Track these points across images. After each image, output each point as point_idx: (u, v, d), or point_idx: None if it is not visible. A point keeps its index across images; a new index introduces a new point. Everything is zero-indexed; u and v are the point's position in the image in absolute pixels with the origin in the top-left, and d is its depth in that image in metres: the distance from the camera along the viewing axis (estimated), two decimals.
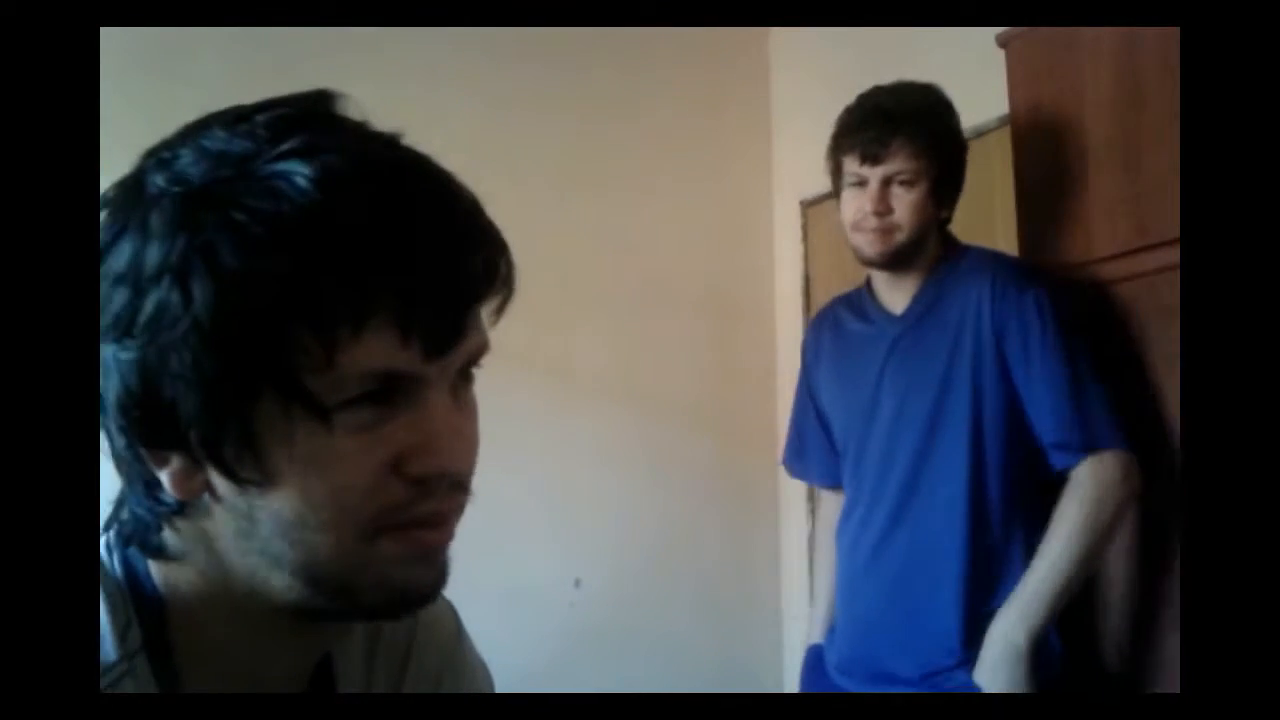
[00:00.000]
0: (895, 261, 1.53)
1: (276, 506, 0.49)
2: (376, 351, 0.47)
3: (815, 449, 1.72)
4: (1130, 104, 1.53)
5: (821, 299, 2.22)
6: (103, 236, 0.49)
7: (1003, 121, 1.98)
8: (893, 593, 1.52)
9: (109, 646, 0.51)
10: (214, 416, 0.47)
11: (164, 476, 0.50)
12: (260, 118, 0.50)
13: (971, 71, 1.89)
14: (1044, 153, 1.69)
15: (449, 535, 0.53)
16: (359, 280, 0.46)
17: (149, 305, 0.46)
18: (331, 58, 2.29)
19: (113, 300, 0.48)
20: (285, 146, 0.48)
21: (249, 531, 0.50)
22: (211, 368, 0.46)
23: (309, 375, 0.47)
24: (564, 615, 2.46)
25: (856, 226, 1.52)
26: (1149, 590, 1.48)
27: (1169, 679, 1.43)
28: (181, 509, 0.52)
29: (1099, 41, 1.58)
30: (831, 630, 1.67)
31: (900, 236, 1.50)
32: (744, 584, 2.74)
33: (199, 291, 0.45)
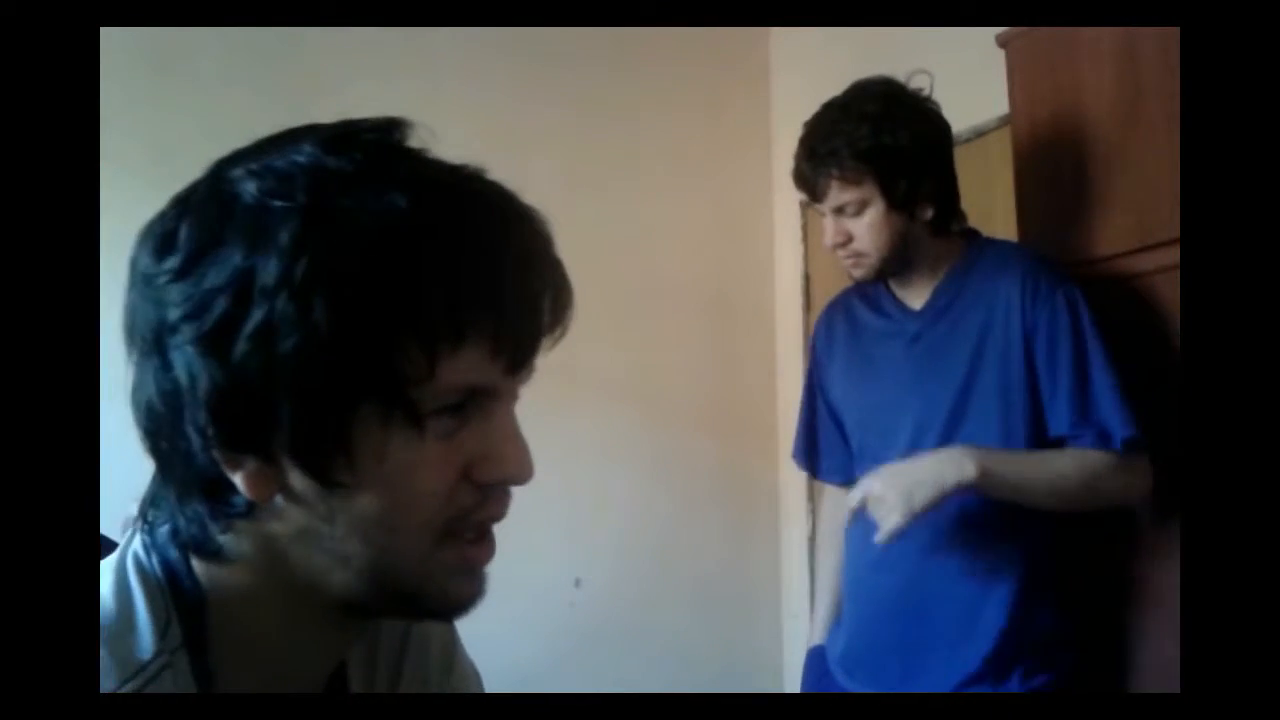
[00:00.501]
0: (884, 276, 1.53)
1: (359, 508, 0.52)
2: (471, 366, 0.52)
3: (828, 444, 1.69)
4: (1130, 104, 1.53)
5: (821, 299, 2.22)
6: (181, 240, 0.50)
7: (1003, 121, 1.98)
8: (913, 594, 1.49)
9: (148, 643, 0.52)
10: (315, 422, 0.49)
11: (238, 479, 0.51)
12: (358, 141, 0.52)
13: (971, 71, 1.89)
14: (1044, 152, 1.69)
15: (493, 551, 0.57)
16: (462, 300, 0.51)
17: (258, 316, 0.48)
18: (332, 57, 2.29)
19: (209, 308, 0.48)
20: (389, 172, 0.51)
21: (319, 531, 0.52)
22: (322, 378, 0.49)
23: (412, 386, 0.50)
24: (564, 615, 2.46)
25: (833, 252, 1.54)
26: (1149, 590, 1.48)
27: (1168, 680, 1.43)
28: (249, 511, 0.53)
29: (1099, 41, 1.58)
30: (836, 626, 1.65)
31: (870, 260, 1.49)
32: (744, 584, 2.74)
33: (320, 307, 0.48)
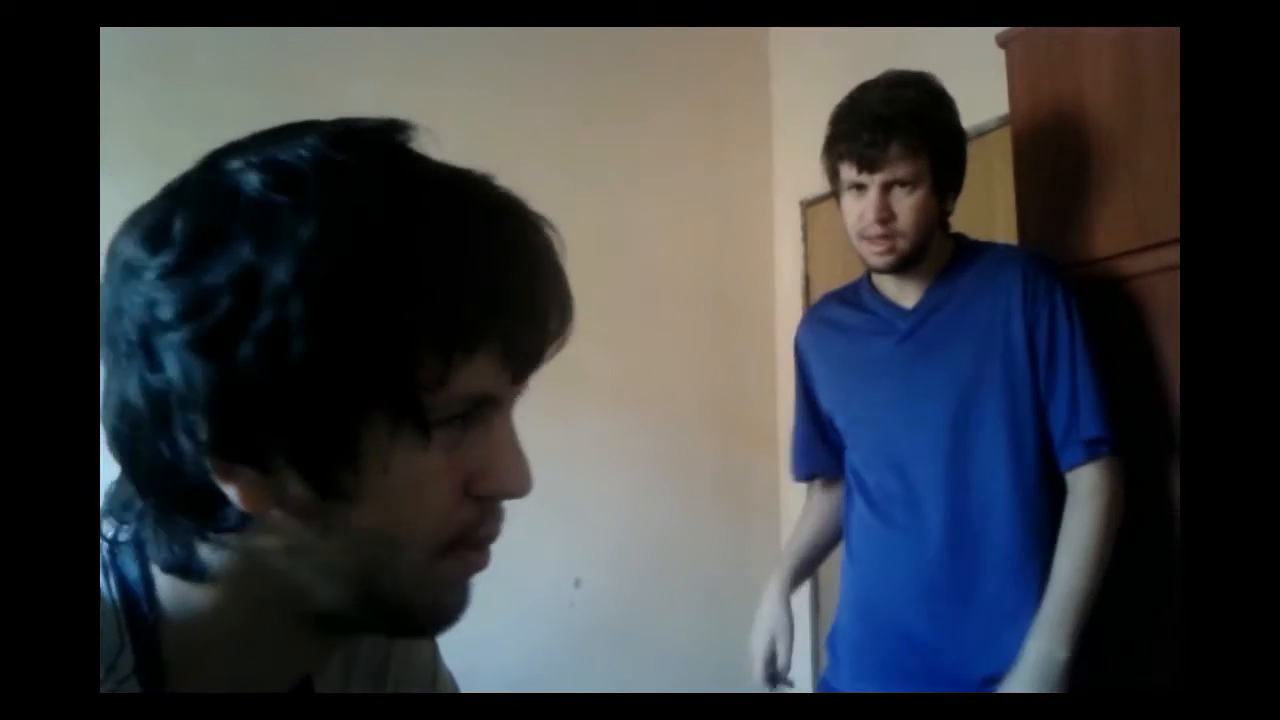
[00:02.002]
0: (903, 267, 1.51)
1: (359, 520, 0.50)
2: (482, 374, 0.50)
3: (821, 448, 1.70)
4: (1130, 104, 1.53)
5: None
6: (176, 232, 0.47)
7: (1003, 121, 1.98)
8: (942, 592, 1.47)
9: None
10: (322, 430, 0.47)
11: (231, 490, 0.48)
12: (362, 140, 0.50)
13: (971, 71, 1.89)
14: (1044, 153, 1.69)
15: (487, 562, 0.55)
16: (478, 306, 0.49)
17: (268, 317, 0.45)
18: (331, 57, 2.29)
19: (210, 307, 0.46)
20: (400, 173, 0.50)
21: (311, 545, 0.50)
22: (334, 383, 0.46)
23: (425, 393, 0.48)
24: (564, 615, 2.46)
25: (861, 235, 1.48)
26: (1149, 591, 1.48)
27: (1169, 677, 1.43)
28: (239, 525, 0.50)
29: (1099, 41, 1.58)
30: (835, 639, 1.64)
31: (904, 244, 1.47)
32: (744, 584, 2.73)
33: (337, 310, 0.46)
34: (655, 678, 2.44)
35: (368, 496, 0.49)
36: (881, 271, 1.53)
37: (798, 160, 2.80)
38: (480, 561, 0.55)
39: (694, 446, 2.70)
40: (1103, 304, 1.56)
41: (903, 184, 1.44)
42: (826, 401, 1.67)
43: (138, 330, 0.47)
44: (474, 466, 0.52)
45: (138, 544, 0.53)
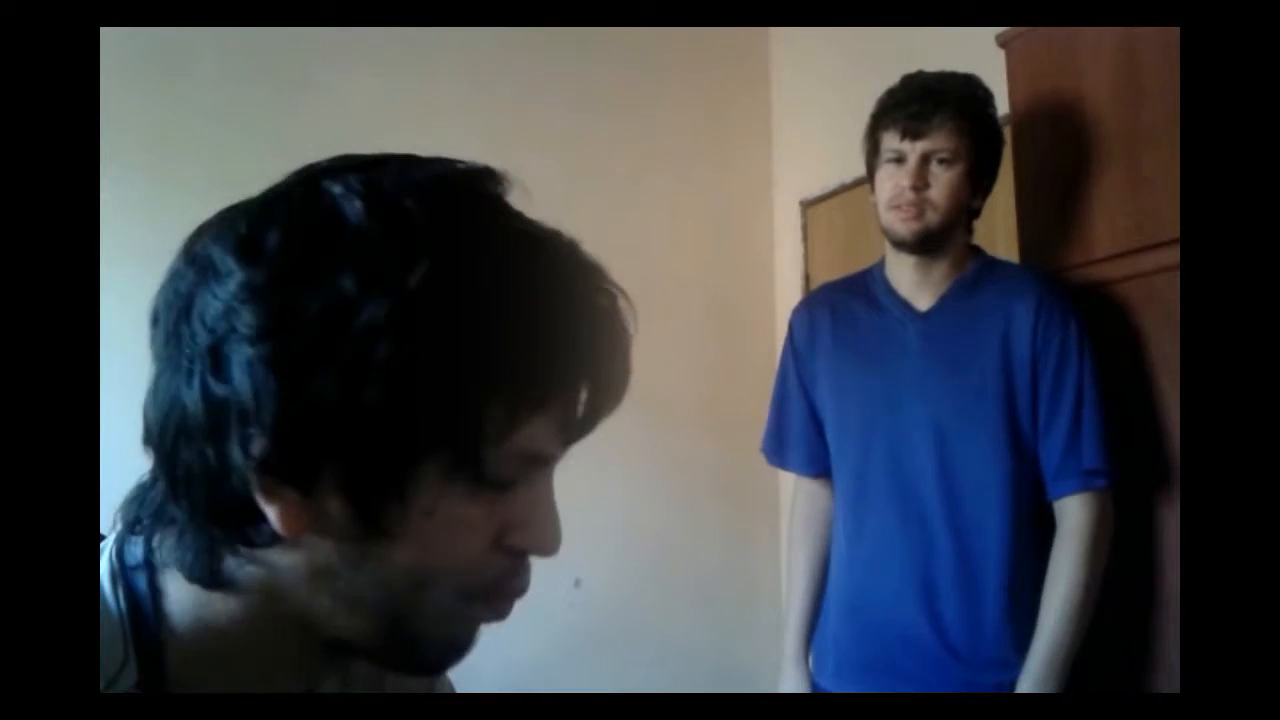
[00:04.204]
0: (926, 243, 1.51)
1: (392, 557, 0.50)
2: (541, 435, 0.51)
3: (801, 435, 1.68)
4: (1130, 104, 1.53)
5: None
6: (271, 247, 0.47)
7: (1003, 121, 1.98)
8: (931, 594, 1.49)
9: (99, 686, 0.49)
10: (380, 466, 0.47)
11: (272, 509, 0.48)
12: (461, 186, 0.51)
13: (971, 71, 1.89)
14: (1044, 153, 1.69)
15: (509, 612, 0.56)
16: (554, 370, 0.50)
17: (352, 352, 0.45)
18: (332, 56, 2.29)
19: (297, 330, 0.46)
20: (502, 227, 0.50)
21: (338, 573, 0.50)
22: (402, 425, 0.46)
23: (485, 447, 0.49)
24: (564, 615, 2.46)
25: (892, 203, 1.51)
26: (1149, 593, 1.48)
27: (1166, 679, 1.43)
28: (271, 543, 0.50)
29: (1099, 41, 1.58)
30: (823, 637, 1.64)
31: (933, 217, 1.49)
32: (744, 584, 2.74)
33: (423, 353, 0.46)
34: (655, 678, 2.44)
35: (407, 536, 0.49)
36: (905, 245, 1.53)
37: (798, 160, 2.80)
38: (503, 611, 0.55)
39: (693, 447, 2.69)
40: (1103, 304, 1.56)
41: (941, 160, 1.48)
42: (816, 389, 1.65)
43: (209, 335, 0.47)
44: (510, 520, 0.52)
45: (148, 554, 0.53)
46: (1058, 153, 1.65)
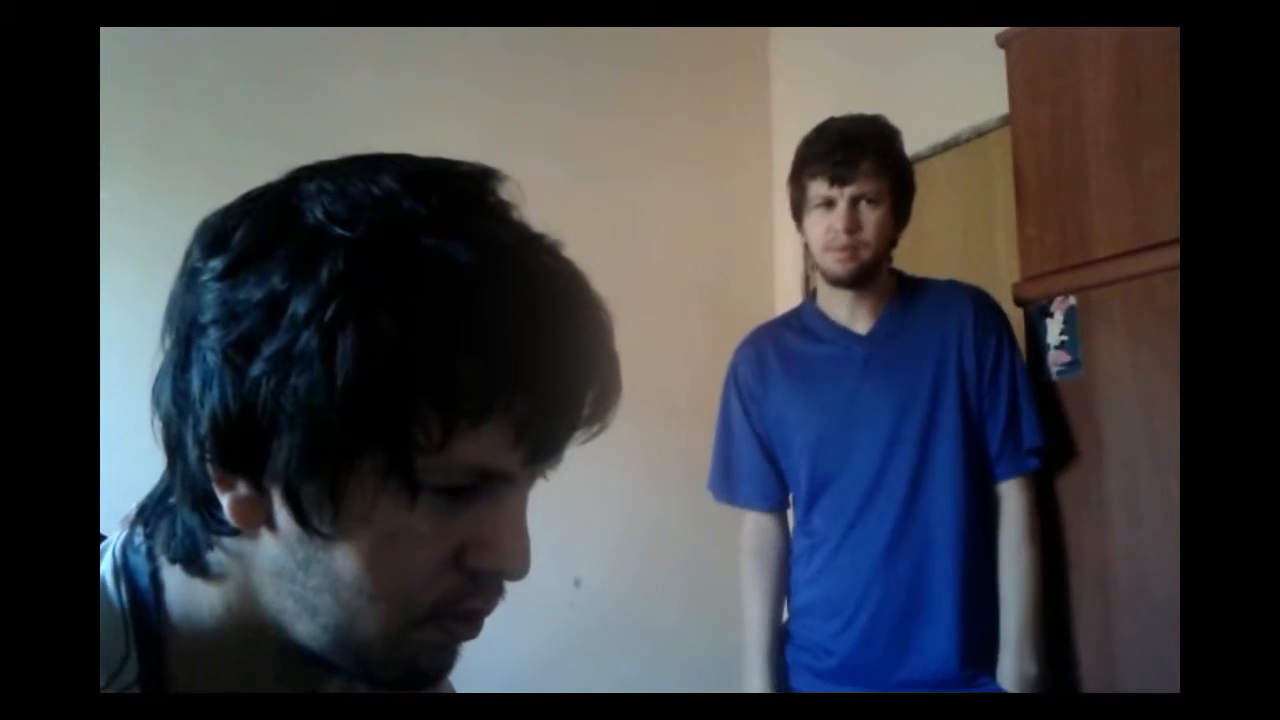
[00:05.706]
0: (861, 279, 1.60)
1: (335, 564, 0.49)
2: (489, 449, 0.48)
3: (749, 470, 1.74)
4: (1130, 104, 1.53)
5: None
6: (234, 241, 0.48)
7: (1003, 121, 1.98)
8: (897, 607, 1.55)
9: (101, 679, 0.50)
10: (312, 463, 0.47)
11: (224, 499, 0.49)
12: (440, 184, 0.49)
13: (971, 71, 1.90)
14: (1044, 153, 1.69)
15: (479, 631, 0.54)
16: (495, 379, 0.47)
17: (283, 340, 0.46)
18: (332, 56, 2.29)
19: (241, 318, 0.47)
20: (460, 225, 0.48)
21: (293, 575, 0.50)
22: (330, 421, 0.46)
23: (420, 455, 0.47)
24: (564, 615, 2.46)
25: (828, 246, 1.59)
26: (1147, 593, 1.48)
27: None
28: (234, 532, 0.51)
29: (1099, 41, 1.58)
30: (791, 642, 1.72)
31: (867, 254, 1.58)
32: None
33: (344, 350, 0.45)
34: (655, 677, 2.44)
35: (347, 542, 0.49)
36: (842, 282, 1.62)
37: None
38: (465, 633, 0.53)
39: (693, 446, 2.68)
40: (1103, 304, 1.56)
41: (869, 201, 1.58)
42: (773, 425, 1.70)
43: (185, 327, 0.49)
44: (469, 538, 0.51)
45: (150, 549, 0.54)
46: (1058, 153, 1.66)
